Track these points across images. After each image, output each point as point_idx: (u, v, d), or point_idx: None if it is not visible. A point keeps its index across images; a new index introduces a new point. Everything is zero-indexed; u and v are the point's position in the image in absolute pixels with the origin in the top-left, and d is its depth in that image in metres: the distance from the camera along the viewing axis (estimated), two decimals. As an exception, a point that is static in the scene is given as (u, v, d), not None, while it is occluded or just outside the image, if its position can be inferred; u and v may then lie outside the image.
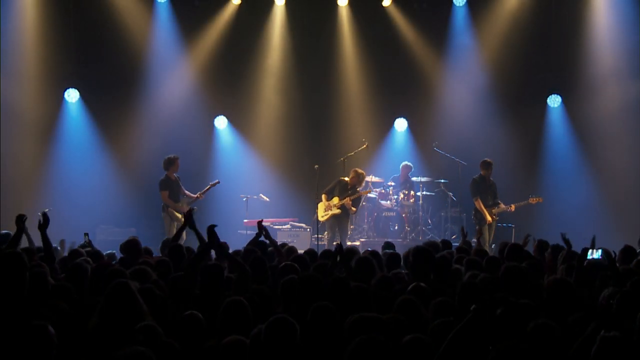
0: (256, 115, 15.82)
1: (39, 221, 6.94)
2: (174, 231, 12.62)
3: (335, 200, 12.98)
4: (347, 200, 12.87)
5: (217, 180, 13.35)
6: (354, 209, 13.04)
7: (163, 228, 12.95)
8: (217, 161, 15.51)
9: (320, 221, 13.14)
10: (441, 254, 7.12)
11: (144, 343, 4.45)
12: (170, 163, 12.94)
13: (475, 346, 4.55)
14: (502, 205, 12.88)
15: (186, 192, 13.03)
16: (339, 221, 12.99)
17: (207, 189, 13.11)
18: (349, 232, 13.47)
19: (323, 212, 13.07)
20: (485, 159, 13.11)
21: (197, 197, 12.99)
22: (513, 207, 12.89)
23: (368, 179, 14.46)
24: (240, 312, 5.08)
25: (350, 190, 13.03)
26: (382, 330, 4.52)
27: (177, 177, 13.01)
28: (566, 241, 7.75)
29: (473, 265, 6.94)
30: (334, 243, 12.52)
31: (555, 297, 5.56)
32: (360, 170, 13.25)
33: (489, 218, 12.74)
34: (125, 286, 5.05)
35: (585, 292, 6.17)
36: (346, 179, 13.23)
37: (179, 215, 12.64)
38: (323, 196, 13.06)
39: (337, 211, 12.92)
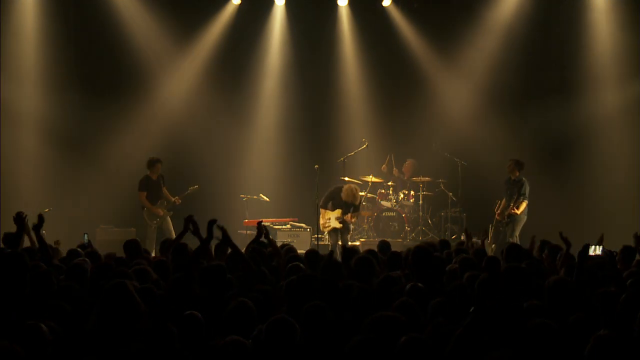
0: (256, 115, 15.83)
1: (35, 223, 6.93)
2: (150, 233, 12.81)
3: (338, 213, 12.86)
4: (348, 217, 12.80)
5: (196, 186, 13.36)
6: (353, 219, 13.04)
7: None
8: (217, 161, 15.49)
9: (322, 229, 13.11)
10: (437, 254, 7.12)
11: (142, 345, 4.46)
12: (151, 164, 13.00)
13: (477, 349, 4.55)
14: (504, 206, 12.77)
15: (167, 193, 13.07)
16: (340, 231, 12.94)
17: (186, 194, 13.15)
18: (350, 232, 13.37)
19: (325, 222, 12.97)
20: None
21: (174, 201, 13.04)
22: (517, 211, 12.64)
23: (368, 179, 14.46)
24: (246, 314, 5.08)
25: (345, 207, 12.81)
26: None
27: (160, 177, 13.04)
28: (564, 239, 7.72)
29: (468, 264, 6.94)
30: (339, 243, 12.55)
31: (556, 297, 5.56)
32: (352, 189, 12.81)
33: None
34: (123, 286, 5.05)
35: (586, 292, 6.16)
36: (341, 194, 12.84)
37: (155, 217, 12.86)
38: (322, 211, 12.88)
39: (339, 225, 12.84)
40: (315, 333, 4.86)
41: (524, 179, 12.76)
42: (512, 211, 12.62)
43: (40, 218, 6.95)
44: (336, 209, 12.85)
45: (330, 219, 12.86)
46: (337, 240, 12.90)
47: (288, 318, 4.69)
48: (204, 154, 15.34)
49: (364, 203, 14.07)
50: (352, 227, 13.71)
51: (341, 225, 12.77)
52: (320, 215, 12.94)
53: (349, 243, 12.81)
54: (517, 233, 12.56)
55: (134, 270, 6.42)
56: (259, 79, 15.78)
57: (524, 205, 12.64)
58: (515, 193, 12.70)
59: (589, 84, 15.01)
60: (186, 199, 13.27)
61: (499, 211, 12.84)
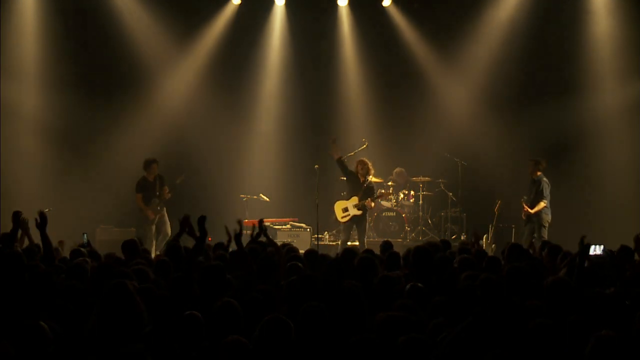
0: (256, 115, 15.83)
1: (36, 220, 6.91)
2: (149, 233, 12.87)
3: (355, 200, 12.88)
4: (369, 202, 12.78)
5: (182, 176, 13.34)
6: (372, 204, 12.96)
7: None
8: (217, 161, 15.49)
9: (340, 222, 13.10)
10: (441, 254, 7.12)
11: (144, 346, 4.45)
12: (146, 165, 13.14)
13: (474, 349, 4.56)
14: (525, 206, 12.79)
15: (167, 191, 13.13)
16: (358, 222, 12.91)
17: (176, 185, 13.22)
18: (366, 233, 13.38)
19: (342, 213, 12.96)
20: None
21: (164, 196, 13.10)
22: (530, 210, 12.64)
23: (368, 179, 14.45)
24: (231, 314, 5.07)
25: (364, 183, 12.90)
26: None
27: (157, 177, 13.10)
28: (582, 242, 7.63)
29: (468, 265, 6.94)
30: (348, 244, 12.54)
31: (555, 297, 5.56)
32: (364, 160, 12.99)
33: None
34: (123, 286, 5.04)
35: (587, 291, 6.16)
36: (355, 170, 12.99)
37: (149, 215, 12.99)
38: (338, 203, 12.97)
39: (359, 212, 12.82)
40: (312, 333, 4.86)
41: (543, 179, 12.71)
42: (525, 210, 12.63)
43: (43, 216, 6.92)
44: (352, 196, 12.84)
45: (348, 207, 12.83)
46: (349, 239, 12.89)
47: (282, 317, 4.69)
48: (204, 154, 15.34)
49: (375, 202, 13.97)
50: (371, 224, 13.79)
51: (361, 212, 12.74)
52: (336, 208, 12.92)
53: (349, 243, 12.82)
54: (543, 234, 12.44)
55: (134, 270, 6.42)
56: (259, 79, 15.78)
57: (540, 205, 12.54)
58: (532, 193, 12.68)
59: (590, 84, 15.00)
60: (186, 199, 13.26)
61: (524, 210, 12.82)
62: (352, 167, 13.05)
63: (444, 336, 4.72)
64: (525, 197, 12.82)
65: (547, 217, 12.64)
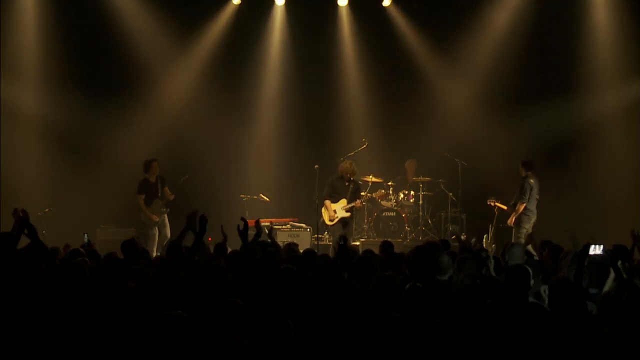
0: (256, 114, 15.84)
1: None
2: (151, 233, 12.85)
3: (343, 202, 12.88)
4: (357, 203, 12.80)
5: (186, 176, 13.33)
6: (360, 204, 12.99)
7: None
8: (217, 161, 15.50)
9: (328, 225, 13.10)
10: (440, 254, 7.12)
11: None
12: (147, 166, 13.11)
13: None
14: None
15: (168, 193, 13.13)
16: (345, 223, 12.92)
17: (179, 187, 13.17)
18: (352, 232, 13.39)
19: (330, 217, 12.97)
20: None
21: (167, 197, 13.09)
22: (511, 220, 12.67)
23: (368, 179, 14.46)
24: (236, 314, 5.07)
25: (348, 183, 12.88)
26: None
27: (158, 178, 13.10)
28: (574, 240, 7.63)
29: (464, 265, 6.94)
30: (340, 242, 12.50)
31: (556, 297, 5.56)
32: (347, 162, 13.01)
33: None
34: (122, 286, 5.05)
35: (587, 291, 6.17)
36: (340, 174, 13.02)
37: (153, 218, 12.95)
38: (327, 202, 12.95)
39: (347, 215, 12.84)
40: (312, 333, 4.86)
41: (528, 180, 12.58)
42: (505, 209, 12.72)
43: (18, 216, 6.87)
44: (340, 198, 12.84)
45: (336, 210, 12.84)
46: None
47: (282, 317, 4.69)
48: (204, 153, 15.34)
49: (363, 203, 13.99)
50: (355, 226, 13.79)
51: (349, 214, 12.75)
52: (324, 210, 12.93)
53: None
54: (519, 233, 12.42)
55: (133, 270, 6.42)
56: (259, 79, 15.78)
57: (519, 209, 12.50)
58: (516, 193, 12.66)
59: (590, 84, 15.00)
60: (186, 199, 13.25)
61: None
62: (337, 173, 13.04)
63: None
64: (492, 198, 12.86)
65: (527, 219, 12.55)
